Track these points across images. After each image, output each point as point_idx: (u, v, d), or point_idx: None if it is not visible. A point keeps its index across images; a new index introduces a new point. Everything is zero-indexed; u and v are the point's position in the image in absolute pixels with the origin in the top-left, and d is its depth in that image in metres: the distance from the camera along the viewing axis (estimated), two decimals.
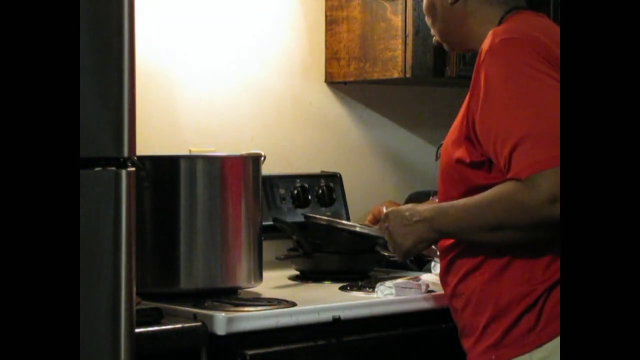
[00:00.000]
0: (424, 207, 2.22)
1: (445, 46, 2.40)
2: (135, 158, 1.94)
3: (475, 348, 2.15)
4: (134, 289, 1.94)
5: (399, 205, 2.48)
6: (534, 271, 2.09)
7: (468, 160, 2.12)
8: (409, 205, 2.28)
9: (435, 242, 2.27)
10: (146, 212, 2.49)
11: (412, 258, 2.48)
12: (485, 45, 2.11)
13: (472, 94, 2.13)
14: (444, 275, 2.24)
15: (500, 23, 2.22)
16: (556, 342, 2.06)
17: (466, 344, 2.19)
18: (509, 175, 2.03)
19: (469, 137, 2.12)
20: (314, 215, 2.92)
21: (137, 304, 2.15)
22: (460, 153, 2.14)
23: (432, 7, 2.33)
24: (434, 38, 2.41)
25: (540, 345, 2.07)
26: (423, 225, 2.20)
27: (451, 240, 2.21)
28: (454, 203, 2.16)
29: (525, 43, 2.08)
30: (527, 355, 2.08)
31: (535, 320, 2.08)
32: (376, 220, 2.39)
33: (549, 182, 1.97)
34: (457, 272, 2.18)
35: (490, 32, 2.14)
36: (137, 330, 1.97)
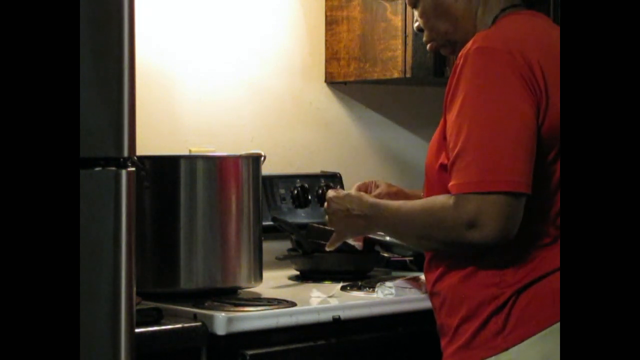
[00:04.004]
0: (366, 201, 2.26)
1: (443, 50, 2.31)
2: (135, 158, 1.94)
3: (448, 348, 2.16)
4: (134, 289, 1.94)
5: (392, 187, 2.52)
6: (504, 274, 2.09)
7: (445, 162, 2.10)
8: (354, 195, 2.31)
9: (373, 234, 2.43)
10: (146, 212, 2.49)
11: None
12: (464, 49, 2.08)
13: (447, 94, 2.11)
14: (426, 271, 2.25)
15: (494, 22, 2.19)
16: (523, 346, 2.06)
17: (442, 342, 2.20)
18: (449, 185, 2.04)
19: (446, 137, 2.11)
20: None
21: (137, 304, 2.15)
22: (442, 158, 2.12)
23: (437, 6, 2.24)
24: (430, 44, 2.29)
25: (507, 349, 2.07)
26: (363, 220, 2.26)
27: None
28: (392, 205, 2.20)
29: (499, 55, 2.03)
30: (493, 358, 2.07)
31: (503, 323, 2.08)
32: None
33: (473, 206, 1.99)
34: (435, 270, 2.19)
35: (475, 36, 2.11)
36: (137, 330, 1.97)
